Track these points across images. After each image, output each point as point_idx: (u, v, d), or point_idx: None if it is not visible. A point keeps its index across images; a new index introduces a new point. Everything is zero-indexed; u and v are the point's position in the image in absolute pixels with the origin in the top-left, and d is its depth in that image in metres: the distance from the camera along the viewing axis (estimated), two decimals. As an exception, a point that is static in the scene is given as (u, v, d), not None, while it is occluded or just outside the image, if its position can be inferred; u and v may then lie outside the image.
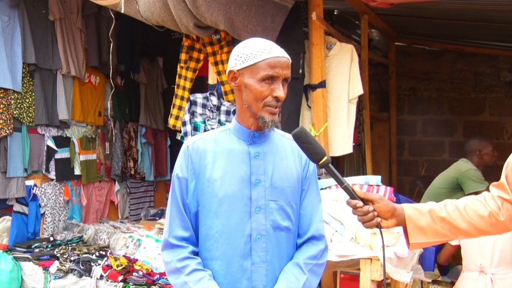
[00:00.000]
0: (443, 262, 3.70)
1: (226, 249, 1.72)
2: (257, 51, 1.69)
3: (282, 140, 1.86)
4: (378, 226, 1.69)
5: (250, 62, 1.69)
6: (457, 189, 4.50)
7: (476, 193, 4.42)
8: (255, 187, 1.74)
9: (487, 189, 1.79)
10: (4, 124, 4.35)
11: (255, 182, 1.74)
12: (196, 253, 1.77)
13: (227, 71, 1.78)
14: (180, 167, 1.78)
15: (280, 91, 1.69)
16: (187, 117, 3.97)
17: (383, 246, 1.71)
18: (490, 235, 1.76)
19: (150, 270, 3.92)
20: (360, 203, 1.68)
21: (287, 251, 1.79)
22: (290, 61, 1.76)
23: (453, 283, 3.60)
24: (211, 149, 1.77)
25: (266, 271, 1.73)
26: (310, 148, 1.68)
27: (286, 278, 1.73)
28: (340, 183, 1.68)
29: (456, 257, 3.52)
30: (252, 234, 1.72)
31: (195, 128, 3.95)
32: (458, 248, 3.46)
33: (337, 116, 3.98)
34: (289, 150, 1.84)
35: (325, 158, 1.66)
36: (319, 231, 1.84)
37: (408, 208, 1.72)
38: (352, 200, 1.70)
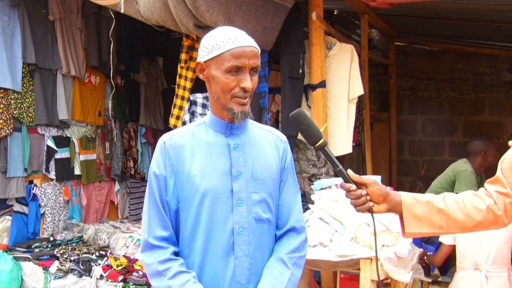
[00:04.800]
0: (438, 263, 3.69)
1: (209, 245, 1.68)
2: (222, 42, 1.65)
3: (259, 131, 1.83)
4: (370, 210, 1.69)
5: (215, 53, 1.65)
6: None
7: None
8: (236, 179, 1.70)
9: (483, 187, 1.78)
10: (4, 124, 4.35)
11: (236, 175, 1.70)
12: (177, 253, 1.72)
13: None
14: (157, 164, 1.72)
15: (247, 82, 1.65)
16: (187, 117, 3.97)
17: (375, 232, 1.71)
18: (486, 229, 1.75)
19: (150, 270, 3.92)
20: (353, 187, 1.67)
21: (268, 244, 1.77)
22: (258, 50, 1.70)
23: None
24: (189, 144, 1.73)
25: (249, 265, 1.70)
26: (308, 130, 1.68)
27: (270, 274, 1.71)
28: (335, 165, 1.68)
29: (455, 257, 3.51)
30: (234, 227, 1.68)
31: (195, 128, 3.95)
32: (454, 249, 3.45)
33: (337, 116, 3.99)
34: (266, 141, 1.82)
35: (321, 140, 1.67)
36: (299, 222, 1.82)
37: (406, 196, 1.71)
38: (346, 183, 1.69)
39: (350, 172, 1.69)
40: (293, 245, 1.78)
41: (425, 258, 3.74)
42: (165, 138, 1.76)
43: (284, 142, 1.87)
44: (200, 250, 1.69)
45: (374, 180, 1.70)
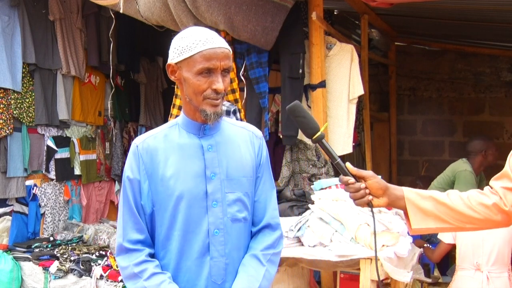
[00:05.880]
0: (436, 260, 3.68)
1: (184, 247, 1.68)
2: (192, 43, 1.62)
3: (234, 129, 1.81)
4: (369, 204, 1.66)
5: (185, 55, 1.63)
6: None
7: None
8: (211, 180, 1.69)
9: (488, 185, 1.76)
10: (4, 124, 4.35)
11: (210, 176, 1.69)
12: (152, 255, 1.72)
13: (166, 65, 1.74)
14: (130, 168, 1.71)
15: (219, 84, 1.63)
16: (187, 117, 3.97)
17: (374, 226, 1.70)
18: (495, 227, 1.71)
19: (150, 270, 3.92)
20: (352, 180, 1.64)
21: (245, 242, 1.77)
22: (230, 51, 1.68)
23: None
24: (162, 147, 1.71)
25: (225, 265, 1.70)
26: (305, 122, 1.65)
27: (245, 271, 1.71)
28: (333, 159, 1.66)
29: (455, 256, 3.51)
30: (209, 228, 1.68)
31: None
32: (452, 248, 3.45)
33: (337, 116, 3.99)
34: (241, 138, 1.80)
35: (318, 133, 1.64)
36: (274, 219, 1.81)
37: (409, 192, 1.68)
38: (344, 176, 1.66)
39: (348, 165, 1.66)
40: (268, 241, 1.77)
41: (423, 248, 3.69)
42: (138, 141, 1.73)
43: (259, 138, 1.84)
44: (176, 252, 1.69)
45: (373, 173, 1.68)
